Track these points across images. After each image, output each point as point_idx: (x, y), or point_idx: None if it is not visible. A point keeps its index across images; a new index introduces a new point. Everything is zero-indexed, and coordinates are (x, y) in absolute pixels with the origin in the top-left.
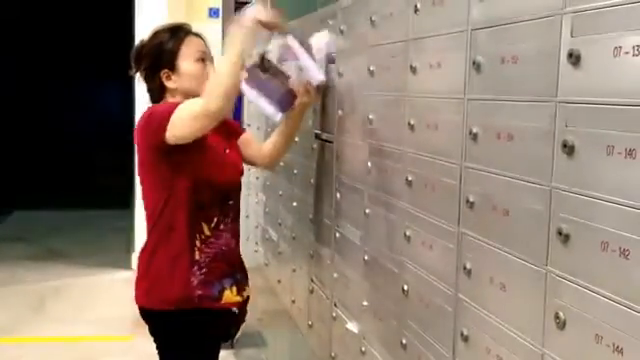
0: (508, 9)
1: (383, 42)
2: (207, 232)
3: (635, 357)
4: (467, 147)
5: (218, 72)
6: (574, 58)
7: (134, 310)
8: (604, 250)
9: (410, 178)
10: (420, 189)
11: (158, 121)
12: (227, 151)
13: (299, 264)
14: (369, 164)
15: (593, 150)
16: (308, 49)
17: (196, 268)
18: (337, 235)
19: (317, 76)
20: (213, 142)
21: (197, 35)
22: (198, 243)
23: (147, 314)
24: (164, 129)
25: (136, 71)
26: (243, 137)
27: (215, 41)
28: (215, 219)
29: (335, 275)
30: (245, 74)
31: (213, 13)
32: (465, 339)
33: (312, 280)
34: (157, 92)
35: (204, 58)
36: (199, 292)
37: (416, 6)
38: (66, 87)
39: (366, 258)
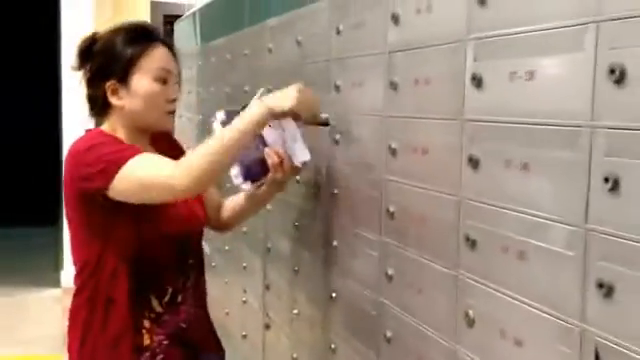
0: (420, 34)
1: (309, 61)
2: (158, 308)
3: (533, 349)
4: (387, 161)
5: (211, 144)
6: (477, 81)
7: (63, 328)
8: (505, 253)
9: (336, 191)
10: (345, 201)
11: (101, 167)
12: None
13: (232, 277)
14: (297, 178)
15: (494, 164)
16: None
17: (147, 356)
18: (268, 246)
19: (302, 156)
20: None
21: (166, 44)
22: (147, 323)
23: None
24: (108, 180)
25: (79, 69)
26: None
27: None
28: (170, 289)
29: (267, 284)
30: (222, 116)
31: None
32: (388, 340)
33: (245, 291)
34: (99, 105)
35: (166, 78)
36: None
37: (338, 28)
38: None
39: (296, 268)
